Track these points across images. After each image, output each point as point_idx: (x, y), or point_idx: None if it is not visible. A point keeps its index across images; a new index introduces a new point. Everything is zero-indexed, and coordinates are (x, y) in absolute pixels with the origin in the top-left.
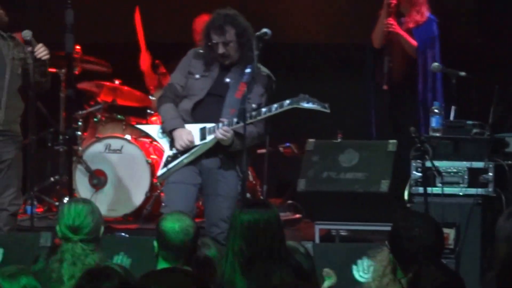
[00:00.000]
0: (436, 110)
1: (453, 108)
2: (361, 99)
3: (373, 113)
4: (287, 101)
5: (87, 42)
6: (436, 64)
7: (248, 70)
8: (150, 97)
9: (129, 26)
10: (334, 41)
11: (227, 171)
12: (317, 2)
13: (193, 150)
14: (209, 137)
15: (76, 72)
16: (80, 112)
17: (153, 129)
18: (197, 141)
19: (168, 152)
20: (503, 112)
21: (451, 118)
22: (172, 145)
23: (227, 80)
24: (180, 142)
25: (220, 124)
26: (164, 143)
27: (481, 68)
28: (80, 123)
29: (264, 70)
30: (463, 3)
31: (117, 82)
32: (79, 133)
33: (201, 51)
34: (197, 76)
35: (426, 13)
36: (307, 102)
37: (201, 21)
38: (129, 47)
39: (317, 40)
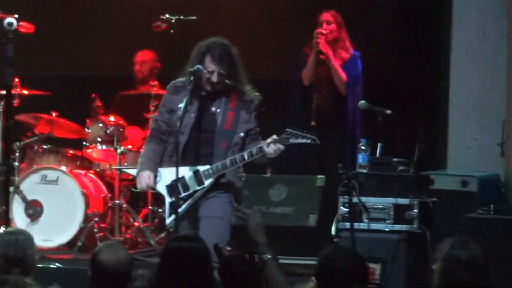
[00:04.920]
0: (362, 147)
1: (379, 145)
2: None
3: (296, 150)
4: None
5: (25, 74)
6: (362, 101)
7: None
8: (86, 130)
9: (67, 58)
10: (261, 77)
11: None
12: (242, 38)
13: (194, 196)
14: (207, 182)
15: (15, 104)
16: (17, 143)
17: None
18: (194, 186)
19: (169, 198)
20: (428, 150)
21: (377, 155)
22: (171, 191)
23: (213, 109)
24: (139, 186)
25: (270, 140)
26: (161, 188)
27: (405, 106)
28: (17, 154)
29: (247, 95)
30: (386, 42)
31: (54, 114)
32: (16, 163)
33: (179, 83)
34: (179, 112)
35: (350, 48)
36: (296, 138)
37: (143, 55)
38: (67, 79)
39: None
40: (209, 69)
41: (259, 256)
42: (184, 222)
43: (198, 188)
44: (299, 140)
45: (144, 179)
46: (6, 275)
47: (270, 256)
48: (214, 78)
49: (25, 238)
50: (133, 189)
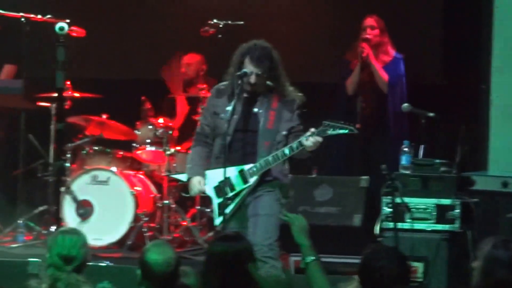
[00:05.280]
0: (405, 149)
1: (422, 146)
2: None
3: (340, 151)
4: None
5: (77, 77)
6: (406, 104)
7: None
8: (136, 132)
9: (117, 61)
10: (306, 80)
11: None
12: (290, 42)
13: (241, 194)
14: (252, 179)
15: (66, 107)
16: (69, 145)
17: None
18: (240, 185)
19: (217, 199)
20: (469, 152)
21: (420, 156)
22: (218, 192)
23: (256, 110)
24: (191, 192)
25: (309, 133)
26: (208, 190)
27: (446, 108)
28: (68, 155)
29: (289, 95)
30: (428, 46)
31: (104, 116)
32: (68, 164)
33: (222, 86)
34: (222, 115)
35: (392, 52)
36: (334, 129)
37: (189, 58)
38: (117, 82)
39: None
40: (248, 70)
41: (303, 257)
42: (233, 221)
43: (244, 186)
44: (337, 131)
45: (195, 185)
46: (60, 272)
47: (313, 258)
48: (252, 79)
49: (78, 238)
50: (184, 194)
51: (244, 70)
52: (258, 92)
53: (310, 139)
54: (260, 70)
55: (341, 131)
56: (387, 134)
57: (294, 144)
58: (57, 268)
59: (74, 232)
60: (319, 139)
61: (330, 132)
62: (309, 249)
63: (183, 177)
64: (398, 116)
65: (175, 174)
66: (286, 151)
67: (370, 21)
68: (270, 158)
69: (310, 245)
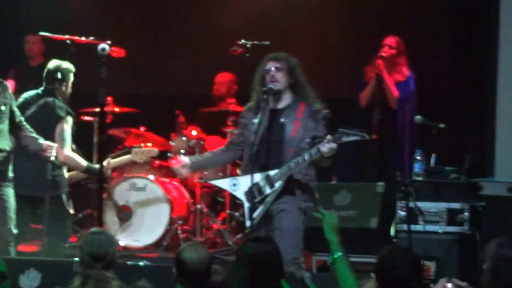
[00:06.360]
0: (418, 157)
1: (433, 155)
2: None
3: (358, 160)
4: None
5: (117, 93)
6: (418, 117)
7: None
8: (171, 142)
9: (154, 79)
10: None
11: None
12: (311, 59)
13: (267, 199)
14: (278, 184)
15: (108, 120)
16: (110, 155)
17: (224, 183)
18: (267, 190)
19: (247, 204)
20: (477, 160)
21: (432, 164)
22: (248, 196)
23: (282, 120)
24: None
25: (325, 140)
26: (240, 195)
27: (456, 120)
28: None
29: (315, 106)
30: (440, 64)
31: (142, 129)
32: (109, 173)
33: (251, 102)
34: (250, 126)
35: (407, 73)
36: (348, 136)
37: (222, 77)
38: (154, 98)
39: None
40: (267, 68)
41: (331, 253)
42: (261, 227)
43: (270, 190)
44: (350, 138)
45: (180, 160)
46: (90, 270)
47: (340, 254)
48: (273, 73)
49: (106, 238)
50: (219, 198)
51: (270, 85)
52: (281, 95)
53: (326, 146)
54: (278, 63)
55: (354, 138)
56: (395, 143)
57: (313, 151)
58: (87, 266)
59: (103, 232)
60: (334, 145)
61: (345, 139)
62: (337, 246)
63: (216, 182)
64: (410, 128)
65: (212, 180)
66: (306, 156)
67: (390, 40)
68: (292, 163)
69: (338, 242)
